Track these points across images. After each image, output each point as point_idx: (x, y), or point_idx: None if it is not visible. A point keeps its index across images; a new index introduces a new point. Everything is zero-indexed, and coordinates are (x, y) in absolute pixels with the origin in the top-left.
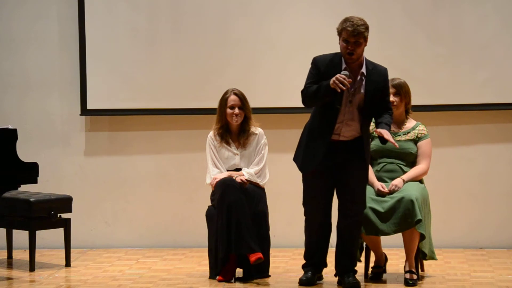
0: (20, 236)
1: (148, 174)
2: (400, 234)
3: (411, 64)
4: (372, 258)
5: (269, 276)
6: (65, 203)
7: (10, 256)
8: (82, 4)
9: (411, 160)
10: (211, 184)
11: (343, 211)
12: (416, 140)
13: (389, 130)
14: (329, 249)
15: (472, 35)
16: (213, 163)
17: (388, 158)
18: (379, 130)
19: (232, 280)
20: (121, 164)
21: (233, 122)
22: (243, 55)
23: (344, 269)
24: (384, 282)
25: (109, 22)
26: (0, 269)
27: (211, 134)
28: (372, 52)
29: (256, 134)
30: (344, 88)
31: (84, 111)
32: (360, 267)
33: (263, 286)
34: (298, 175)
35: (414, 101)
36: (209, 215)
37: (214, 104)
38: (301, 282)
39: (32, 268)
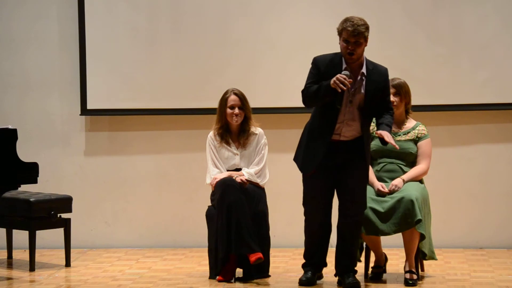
0: (20, 236)
1: (148, 174)
2: (400, 234)
3: (411, 64)
4: (372, 258)
5: (269, 276)
6: (65, 203)
7: (10, 256)
8: (82, 4)
9: (411, 160)
10: (211, 184)
11: (343, 211)
12: (416, 140)
13: (390, 131)
14: (329, 249)
15: (472, 35)
16: (213, 163)
17: (388, 158)
18: (379, 131)
19: (232, 280)
20: (121, 164)
21: (233, 122)
22: (243, 55)
23: (344, 269)
24: (384, 282)
25: (109, 22)
26: (0, 269)
27: (211, 134)
28: (372, 52)
29: (256, 134)
30: (344, 88)
31: (84, 111)
32: (360, 267)
33: (263, 286)
34: (298, 175)
35: (414, 101)
36: (209, 215)
37: (214, 104)
38: (301, 282)
39: (32, 268)
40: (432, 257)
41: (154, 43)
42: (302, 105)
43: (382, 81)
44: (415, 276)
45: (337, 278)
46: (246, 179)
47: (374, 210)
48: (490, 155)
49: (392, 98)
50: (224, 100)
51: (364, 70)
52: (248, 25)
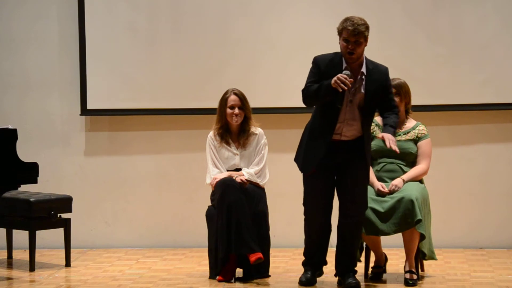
0: (20, 236)
1: (148, 174)
2: (400, 234)
3: (411, 64)
4: (372, 258)
5: (269, 276)
6: (65, 203)
7: (10, 256)
8: (82, 4)
9: (411, 160)
10: (211, 184)
11: (343, 211)
12: (416, 140)
13: (394, 132)
14: (329, 249)
15: (472, 35)
16: (213, 163)
17: (388, 158)
18: (381, 134)
19: (232, 280)
20: (121, 164)
21: (233, 122)
22: (243, 55)
23: (344, 269)
24: (384, 282)
25: (109, 22)
26: (0, 269)
27: (211, 134)
28: (372, 52)
29: (256, 134)
30: (345, 88)
31: (84, 111)
32: (360, 267)
33: (263, 286)
34: (298, 175)
35: (414, 101)
36: (209, 215)
37: (214, 104)
38: (301, 282)
39: (32, 268)
40: (432, 257)
41: (154, 43)
42: (302, 105)
43: (382, 80)
44: (415, 276)
45: (337, 278)
46: (246, 179)
47: (374, 210)
48: (490, 155)
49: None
50: (224, 100)
51: (364, 69)
52: (248, 25)
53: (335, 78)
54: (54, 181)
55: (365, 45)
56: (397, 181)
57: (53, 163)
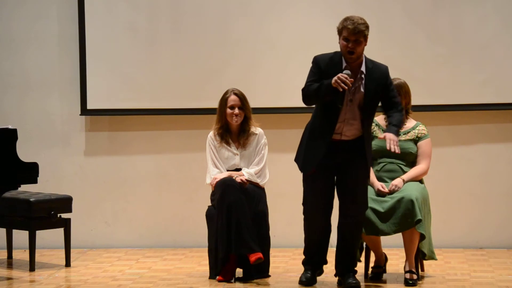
0: (20, 236)
1: (148, 174)
2: (400, 234)
3: (411, 64)
4: (372, 258)
5: (269, 276)
6: (65, 203)
7: (10, 256)
8: (82, 4)
9: (411, 160)
10: (211, 184)
11: (344, 211)
12: (416, 140)
13: (398, 131)
14: (329, 249)
15: (472, 35)
16: (213, 163)
17: (388, 158)
18: (383, 134)
19: (232, 280)
20: (121, 164)
21: (233, 122)
22: (243, 55)
23: (344, 269)
24: (384, 282)
25: (109, 22)
26: (0, 269)
27: (211, 134)
28: (372, 52)
29: (256, 134)
30: (346, 87)
31: (84, 111)
32: (360, 267)
33: (263, 286)
34: (298, 175)
35: (414, 101)
36: (209, 215)
37: (214, 104)
38: (301, 282)
39: (32, 268)
40: (432, 257)
41: (154, 43)
42: (302, 105)
43: (382, 79)
44: (415, 276)
45: (337, 278)
46: (246, 179)
47: (374, 210)
48: (490, 155)
49: None
50: (224, 100)
51: (363, 68)
52: (248, 25)
53: (335, 77)
54: (54, 181)
55: (365, 45)
56: (397, 181)
57: (53, 163)
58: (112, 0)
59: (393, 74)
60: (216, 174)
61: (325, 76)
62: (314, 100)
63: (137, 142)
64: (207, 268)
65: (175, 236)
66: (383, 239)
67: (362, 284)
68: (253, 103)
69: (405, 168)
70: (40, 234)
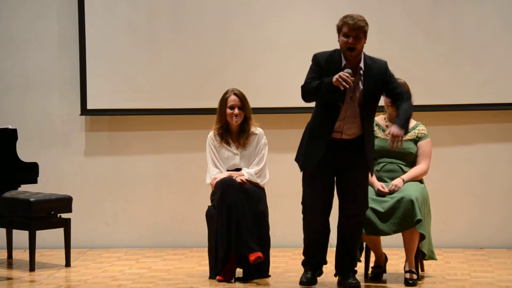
0: (20, 236)
1: (148, 174)
2: (400, 234)
3: (411, 64)
4: (372, 258)
5: (269, 276)
6: (65, 203)
7: (10, 256)
8: (82, 4)
9: (411, 160)
10: (211, 184)
11: (344, 211)
12: (416, 140)
13: (405, 123)
14: (329, 249)
15: (472, 35)
16: (213, 163)
17: (388, 158)
18: (388, 130)
19: (232, 280)
20: (121, 164)
21: (233, 122)
22: (243, 55)
23: (344, 269)
24: (384, 282)
25: (109, 22)
26: (0, 269)
27: (211, 134)
28: (372, 52)
29: (256, 134)
30: (347, 86)
31: (84, 111)
32: (360, 267)
33: (263, 286)
34: (298, 175)
35: (414, 101)
36: (209, 215)
37: (214, 104)
38: (302, 282)
39: (32, 268)
40: (432, 257)
41: (154, 43)
42: (302, 105)
43: (381, 74)
44: (415, 276)
45: (337, 278)
46: (246, 179)
47: (374, 210)
48: (490, 155)
49: None
50: (224, 100)
51: (362, 65)
52: (248, 25)
53: (336, 76)
54: (54, 181)
55: (364, 42)
56: (397, 181)
57: (53, 163)
58: (112, 0)
59: None
60: (216, 174)
61: (325, 73)
62: (313, 97)
63: (137, 142)
64: (207, 268)
65: (175, 236)
66: (383, 239)
67: (362, 284)
68: (253, 103)
69: (405, 168)
70: (40, 234)
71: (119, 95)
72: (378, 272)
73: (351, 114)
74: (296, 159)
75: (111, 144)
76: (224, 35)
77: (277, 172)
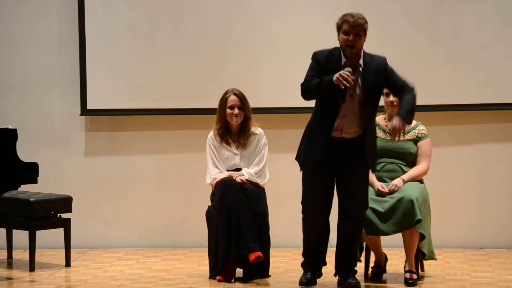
0: (20, 236)
1: (148, 174)
2: (400, 234)
3: (411, 64)
4: (372, 258)
5: (269, 276)
6: (65, 203)
7: (10, 256)
8: (82, 4)
9: (411, 160)
10: (211, 184)
11: (344, 211)
12: (416, 140)
13: (409, 115)
14: (329, 249)
15: (472, 35)
16: (213, 163)
17: (388, 158)
18: (390, 122)
19: (232, 280)
20: (121, 164)
21: (233, 122)
22: (243, 55)
23: (344, 269)
24: (384, 282)
25: (109, 22)
26: (0, 269)
27: (211, 134)
28: (372, 52)
29: (256, 134)
30: (348, 85)
31: (84, 111)
32: (360, 267)
33: (263, 286)
34: (298, 175)
35: None
36: (209, 215)
37: (214, 104)
38: (301, 283)
39: (32, 268)
40: (432, 257)
41: (154, 43)
42: (302, 105)
43: (381, 70)
44: (415, 276)
45: (337, 278)
46: (246, 179)
47: (374, 210)
48: (490, 155)
49: (391, 97)
50: (224, 100)
51: (361, 62)
52: (248, 25)
53: (337, 75)
54: (54, 181)
55: (364, 40)
56: (397, 181)
57: (53, 163)
58: (112, 0)
59: None
60: (216, 174)
61: (325, 71)
62: (313, 95)
63: (137, 142)
64: (207, 268)
65: (175, 236)
66: (383, 239)
67: (362, 284)
68: (253, 103)
69: (405, 168)
70: (40, 234)
71: (119, 95)
72: (378, 272)
73: (350, 111)
74: (297, 158)
75: (111, 144)
76: (224, 35)
77: (277, 172)
